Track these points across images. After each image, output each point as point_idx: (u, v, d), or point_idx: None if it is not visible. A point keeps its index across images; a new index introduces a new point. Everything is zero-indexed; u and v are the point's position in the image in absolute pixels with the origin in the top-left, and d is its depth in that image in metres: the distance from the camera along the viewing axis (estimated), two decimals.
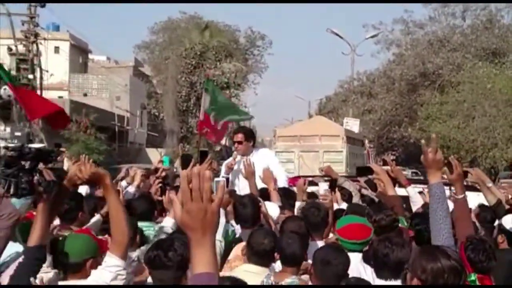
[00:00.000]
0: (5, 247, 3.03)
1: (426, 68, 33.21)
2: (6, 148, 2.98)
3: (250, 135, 6.63)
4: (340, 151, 14.66)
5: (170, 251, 3.08)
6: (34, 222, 3.04)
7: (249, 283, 2.99)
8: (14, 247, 3.48)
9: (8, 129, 13.12)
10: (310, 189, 6.06)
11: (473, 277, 3.67)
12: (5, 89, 15.13)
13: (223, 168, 6.71)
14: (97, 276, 3.12)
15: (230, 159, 6.61)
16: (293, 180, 7.21)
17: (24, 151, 2.91)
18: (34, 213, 3.26)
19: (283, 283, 3.60)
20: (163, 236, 3.97)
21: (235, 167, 6.41)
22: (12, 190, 2.92)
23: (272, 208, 4.97)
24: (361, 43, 34.11)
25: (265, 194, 5.33)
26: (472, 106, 27.20)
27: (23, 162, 2.90)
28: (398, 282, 3.58)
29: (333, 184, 5.89)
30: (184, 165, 4.53)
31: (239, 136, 6.49)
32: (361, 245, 4.21)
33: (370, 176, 5.71)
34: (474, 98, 27.24)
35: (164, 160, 6.88)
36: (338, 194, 5.98)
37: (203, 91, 8.53)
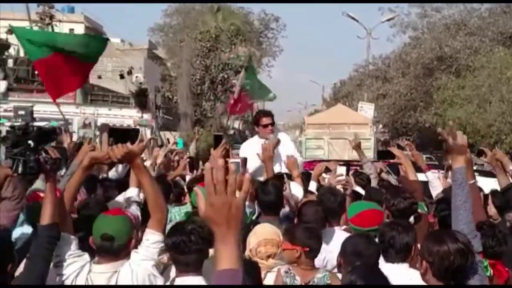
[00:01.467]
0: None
1: (443, 51, 32.73)
2: (12, 127, 2.97)
3: (273, 119, 6.63)
4: (369, 139, 15.37)
5: (193, 234, 3.11)
6: (44, 201, 3.06)
7: None
8: (20, 230, 3.50)
9: (146, 116, 13.32)
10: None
11: (484, 263, 3.64)
12: (136, 76, 15.64)
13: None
14: (144, 254, 3.21)
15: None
16: (308, 165, 7.23)
17: (29, 130, 2.91)
18: (42, 194, 3.27)
19: (315, 279, 3.53)
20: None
21: (249, 146, 6.41)
22: (20, 169, 2.94)
23: (297, 190, 4.94)
24: (376, 27, 33.84)
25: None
26: (489, 91, 26.87)
27: (28, 141, 2.90)
28: (405, 265, 3.57)
29: (348, 168, 5.90)
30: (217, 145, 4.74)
31: (271, 119, 6.47)
32: (375, 231, 4.18)
33: (391, 161, 5.66)
34: (491, 83, 26.89)
35: (178, 142, 6.90)
36: (351, 178, 5.96)
37: (243, 70, 8.92)
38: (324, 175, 5.99)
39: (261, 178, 5.46)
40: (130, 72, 15.38)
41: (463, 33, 33.03)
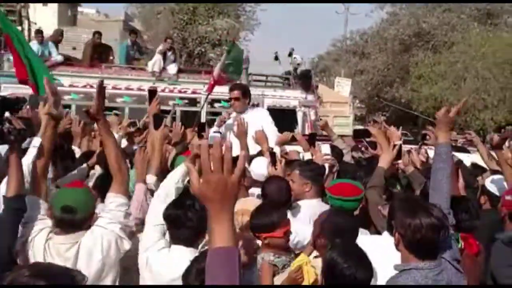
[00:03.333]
0: None
1: (421, 27, 32.86)
2: None
3: (246, 92, 6.52)
4: (348, 116, 16.03)
5: (190, 211, 3.08)
6: (10, 172, 2.99)
7: None
8: None
9: (309, 97, 13.29)
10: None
11: (456, 235, 3.68)
12: (295, 57, 15.63)
13: (216, 121, 6.67)
14: (109, 217, 3.15)
15: (224, 113, 6.56)
16: None
17: None
18: None
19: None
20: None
21: (229, 121, 6.34)
22: None
23: (262, 164, 4.86)
24: (355, 2, 33.72)
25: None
26: (464, 68, 27.10)
27: None
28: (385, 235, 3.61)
29: (313, 139, 5.85)
30: (156, 126, 4.42)
31: (236, 93, 6.39)
32: (349, 202, 4.16)
33: (367, 139, 5.63)
34: (467, 60, 27.11)
35: None
36: (318, 151, 5.96)
37: (225, 53, 8.75)
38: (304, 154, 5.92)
39: (236, 154, 5.42)
40: (290, 54, 15.30)
41: (441, 9, 33.14)
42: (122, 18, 45.04)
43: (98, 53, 13.52)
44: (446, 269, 2.86)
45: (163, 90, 12.76)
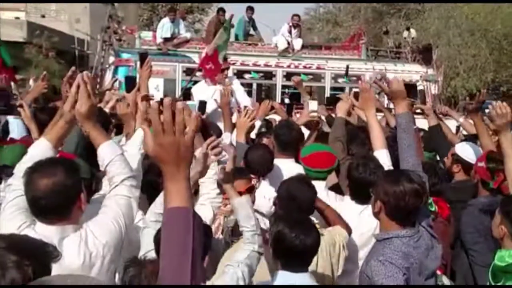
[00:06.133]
0: None
1: None
2: None
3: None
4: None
5: None
6: None
7: None
8: None
9: (430, 71, 13.02)
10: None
11: (429, 199, 3.76)
12: (409, 32, 15.37)
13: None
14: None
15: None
16: None
17: None
18: None
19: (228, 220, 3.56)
20: None
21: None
22: None
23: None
24: None
25: None
26: (435, 35, 27.21)
27: None
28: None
29: (291, 107, 5.88)
30: (129, 88, 4.34)
31: (227, 63, 6.45)
32: (326, 173, 4.22)
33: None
34: (439, 27, 27.22)
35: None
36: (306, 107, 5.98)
37: (222, 29, 8.42)
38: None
39: (219, 124, 5.45)
40: (408, 28, 15.12)
41: None
42: None
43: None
44: (423, 236, 2.94)
45: (288, 66, 12.91)
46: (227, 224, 3.54)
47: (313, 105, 5.45)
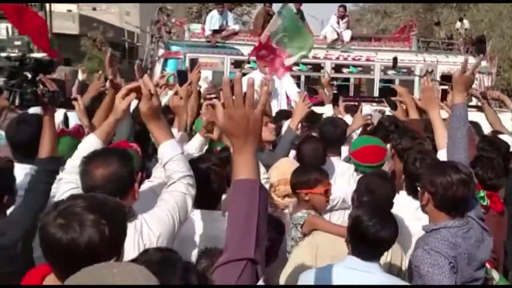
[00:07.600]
0: None
1: None
2: (7, 58, 2.89)
3: None
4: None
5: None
6: (43, 134, 3.02)
7: None
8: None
9: (484, 62, 13.18)
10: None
11: (481, 193, 3.70)
12: (462, 23, 15.68)
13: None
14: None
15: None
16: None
17: (26, 61, 2.85)
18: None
19: (295, 216, 3.53)
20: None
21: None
22: (17, 101, 2.90)
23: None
24: None
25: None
26: (489, 26, 26.50)
27: (25, 72, 2.85)
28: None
29: (336, 98, 5.87)
30: (181, 82, 4.52)
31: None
32: (376, 168, 4.20)
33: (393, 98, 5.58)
34: (492, 18, 26.50)
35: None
36: (341, 107, 6.01)
37: (276, 14, 8.22)
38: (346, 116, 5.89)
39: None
40: (461, 19, 15.26)
41: None
42: None
43: (268, 22, 13.32)
44: (473, 227, 2.89)
45: (337, 58, 12.80)
46: (293, 221, 3.52)
47: (367, 109, 5.51)
